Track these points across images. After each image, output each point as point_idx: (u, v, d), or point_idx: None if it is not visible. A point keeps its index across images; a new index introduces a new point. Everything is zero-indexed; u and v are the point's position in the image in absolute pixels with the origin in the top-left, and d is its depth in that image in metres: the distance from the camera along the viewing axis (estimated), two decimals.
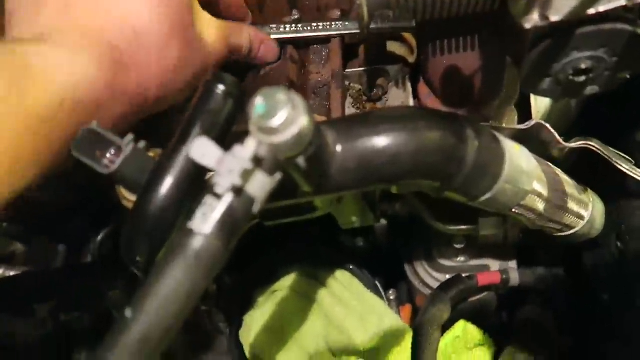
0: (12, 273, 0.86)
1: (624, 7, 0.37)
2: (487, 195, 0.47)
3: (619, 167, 0.52)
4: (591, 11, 0.38)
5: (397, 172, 0.42)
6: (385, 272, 0.93)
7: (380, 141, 0.41)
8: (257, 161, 0.35)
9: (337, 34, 0.67)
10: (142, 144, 0.42)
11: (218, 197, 0.34)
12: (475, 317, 0.82)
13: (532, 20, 0.38)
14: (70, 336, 0.81)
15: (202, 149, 0.35)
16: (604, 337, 0.78)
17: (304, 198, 0.45)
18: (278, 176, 0.36)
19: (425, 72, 0.66)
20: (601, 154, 0.52)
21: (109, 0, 0.45)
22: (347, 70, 0.70)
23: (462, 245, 0.80)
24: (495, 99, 0.64)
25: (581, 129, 0.74)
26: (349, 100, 0.71)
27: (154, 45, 0.46)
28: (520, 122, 0.67)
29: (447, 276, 0.82)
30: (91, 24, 0.45)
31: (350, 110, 0.71)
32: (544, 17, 0.38)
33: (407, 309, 0.92)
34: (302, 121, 0.35)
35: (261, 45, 0.63)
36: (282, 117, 0.34)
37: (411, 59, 0.77)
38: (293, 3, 0.70)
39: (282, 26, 0.67)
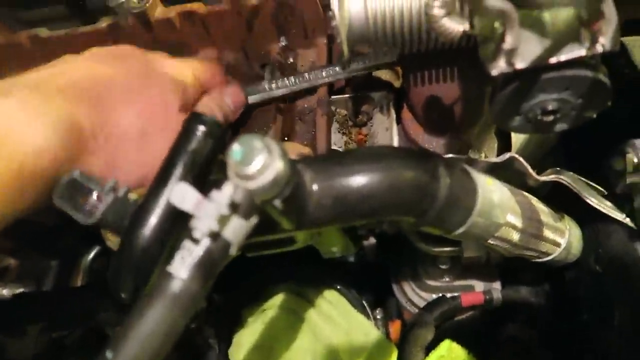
0: (4, 290, 0.87)
1: (584, 57, 0.39)
2: (461, 229, 0.49)
3: (587, 200, 0.54)
4: (553, 60, 0.39)
5: (372, 209, 0.43)
6: (374, 288, 0.94)
7: (356, 180, 0.42)
8: (234, 206, 0.37)
9: (323, 83, 0.68)
10: (123, 189, 0.44)
11: (196, 241, 0.36)
12: (460, 335, 0.83)
13: (499, 66, 0.40)
14: (61, 352, 0.83)
15: (181, 194, 0.37)
16: (583, 353, 0.80)
17: (284, 233, 0.47)
18: (254, 220, 0.38)
19: (408, 99, 0.68)
20: (571, 188, 0.54)
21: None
22: (332, 97, 0.72)
23: (447, 266, 0.82)
24: (475, 126, 0.66)
25: (561, 154, 0.76)
26: (334, 125, 0.73)
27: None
28: (501, 147, 0.69)
29: (434, 295, 0.84)
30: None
31: (336, 135, 0.72)
32: (510, 63, 0.40)
33: (397, 324, 0.93)
34: (278, 166, 0.37)
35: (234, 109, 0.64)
36: (258, 163, 0.36)
37: (397, 84, 0.79)
38: (280, 30, 0.72)
39: (269, 86, 0.68)
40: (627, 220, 0.58)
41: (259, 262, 0.88)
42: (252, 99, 0.67)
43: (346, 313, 0.82)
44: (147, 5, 0.67)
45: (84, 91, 0.47)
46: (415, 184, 0.43)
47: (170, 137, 0.48)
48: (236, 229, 0.36)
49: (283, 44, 0.73)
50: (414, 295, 0.87)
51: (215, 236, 0.36)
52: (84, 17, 0.77)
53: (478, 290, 0.81)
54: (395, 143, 0.69)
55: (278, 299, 0.84)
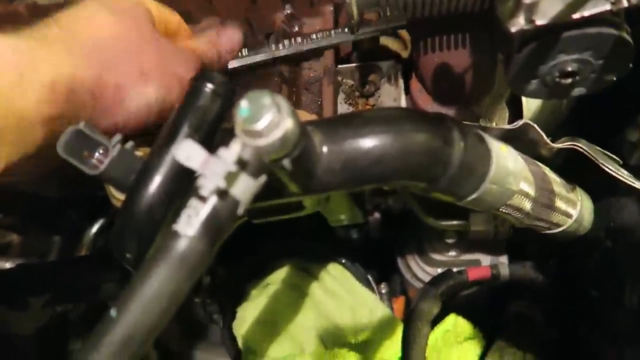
0: (7, 264, 0.87)
1: (609, 12, 0.37)
2: (474, 196, 0.47)
3: (605, 168, 0.53)
4: (576, 15, 0.38)
5: (382, 173, 0.42)
6: (378, 265, 0.93)
7: (366, 143, 0.41)
8: (242, 164, 0.35)
9: (330, 45, 0.66)
10: (129, 144, 0.42)
11: (203, 199, 0.34)
12: (466, 310, 0.83)
13: (519, 23, 0.39)
14: (65, 326, 0.83)
15: (187, 152, 0.35)
16: (591, 332, 0.79)
17: (291, 197, 0.46)
18: (263, 178, 0.37)
19: (417, 69, 0.66)
20: (587, 154, 0.52)
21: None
22: (339, 66, 0.70)
23: (454, 240, 0.81)
24: (486, 96, 0.64)
25: (573, 126, 0.74)
26: (341, 95, 0.71)
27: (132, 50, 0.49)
28: (512, 119, 0.67)
29: (439, 270, 0.83)
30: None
31: (342, 106, 0.71)
32: (530, 20, 0.38)
33: (400, 300, 0.93)
34: (287, 124, 0.35)
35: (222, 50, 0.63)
36: (267, 120, 0.34)
37: (404, 54, 0.77)
38: None
39: (275, 45, 0.67)
40: None
41: (263, 237, 0.88)
42: (257, 57, 0.65)
43: (351, 288, 0.81)
44: None
45: (91, 51, 0.47)
46: (428, 149, 0.42)
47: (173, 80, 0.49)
48: (244, 187, 0.35)
49: (288, 12, 0.71)
50: (419, 270, 0.86)
51: (222, 194, 0.34)
52: None
53: (485, 265, 0.80)
54: None
55: (282, 274, 0.83)
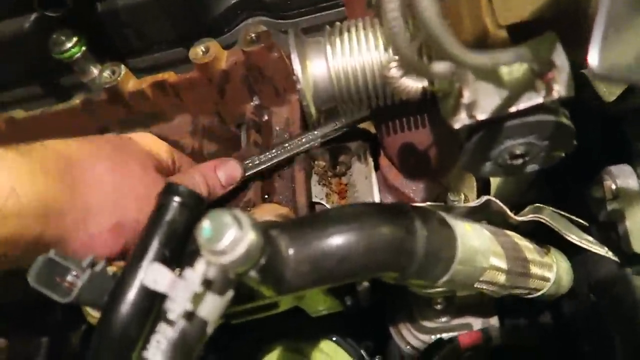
0: None
1: (542, 104, 0.40)
2: (444, 279, 0.48)
3: (568, 237, 0.54)
4: (513, 109, 0.40)
5: (351, 271, 0.43)
6: (372, 333, 0.92)
7: (331, 243, 0.42)
8: (208, 283, 0.36)
9: (300, 151, 0.69)
10: (100, 265, 0.43)
11: (171, 323, 0.35)
12: None
13: (461, 120, 0.41)
14: None
15: (154, 275, 0.37)
16: None
17: (265, 300, 0.47)
18: (230, 294, 0.38)
19: (383, 148, 0.69)
20: (551, 226, 0.54)
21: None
22: (309, 150, 0.72)
23: (442, 306, 0.81)
24: (452, 168, 0.66)
25: (544, 185, 0.76)
26: (314, 177, 0.73)
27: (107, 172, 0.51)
28: (480, 186, 0.69)
29: (432, 337, 0.82)
30: None
31: (316, 187, 0.72)
32: (471, 116, 0.41)
33: None
34: (249, 238, 0.37)
35: (217, 183, 0.64)
36: (229, 238, 0.36)
37: (373, 130, 0.80)
38: (252, 90, 0.73)
39: (248, 162, 0.69)
40: (610, 254, 0.58)
41: (253, 320, 0.87)
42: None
43: None
44: (119, 79, 0.68)
45: (63, 171, 0.49)
46: (392, 242, 0.43)
47: (146, 205, 0.49)
48: (211, 307, 0.36)
49: (256, 103, 0.74)
50: (413, 338, 0.85)
51: (190, 316, 0.35)
52: (58, 95, 0.79)
53: (476, 328, 0.80)
54: (375, 191, 0.69)
55: (273, 357, 0.82)
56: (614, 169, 0.64)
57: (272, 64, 0.69)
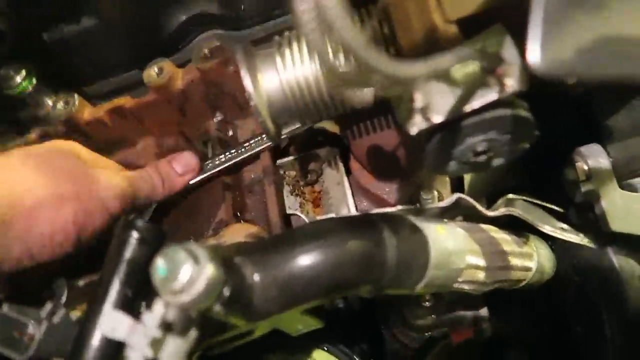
0: None
1: (497, 100, 0.39)
2: (422, 284, 0.47)
3: (541, 229, 0.53)
4: (468, 108, 0.39)
5: (321, 290, 0.42)
6: (367, 336, 0.91)
7: (297, 265, 0.41)
8: (167, 326, 0.35)
9: (264, 148, 0.67)
10: (61, 312, 0.41)
11: None
12: None
13: (416, 123, 0.40)
14: None
15: (111, 323, 0.35)
16: None
17: (238, 329, 0.45)
18: (193, 334, 0.36)
19: (352, 151, 0.67)
20: (524, 219, 0.53)
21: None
22: (278, 161, 0.71)
23: (431, 303, 0.80)
24: (422, 166, 0.65)
25: (520, 171, 0.75)
26: (286, 189, 0.72)
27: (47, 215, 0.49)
28: (453, 182, 0.68)
29: (425, 334, 0.81)
30: None
31: (289, 198, 0.71)
32: (426, 119, 0.39)
33: None
34: (208, 272, 0.35)
35: (169, 181, 0.64)
36: (186, 275, 0.34)
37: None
38: (214, 107, 0.71)
39: (213, 161, 0.68)
40: (586, 242, 0.57)
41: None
42: (194, 179, 0.66)
43: None
44: (74, 109, 0.66)
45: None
46: (361, 256, 0.42)
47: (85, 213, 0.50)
48: (173, 350, 0.34)
49: (219, 118, 0.72)
50: (406, 338, 0.84)
51: None
52: (18, 130, 0.76)
53: (467, 322, 0.79)
54: (349, 196, 0.68)
55: None
56: (584, 149, 0.63)
57: (229, 79, 0.67)
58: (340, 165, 0.70)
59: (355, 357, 0.83)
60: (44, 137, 0.69)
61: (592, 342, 0.71)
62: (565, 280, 0.72)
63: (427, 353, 0.74)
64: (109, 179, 0.55)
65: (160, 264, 0.34)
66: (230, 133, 0.72)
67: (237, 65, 0.66)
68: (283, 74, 0.49)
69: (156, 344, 0.33)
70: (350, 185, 0.70)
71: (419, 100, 0.38)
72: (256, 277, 0.41)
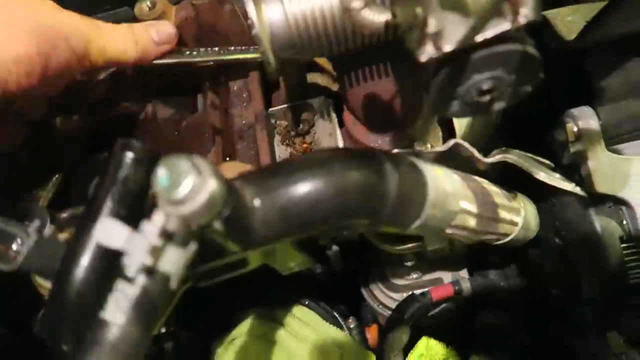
0: None
1: (511, 30, 0.39)
2: (417, 223, 0.47)
3: (536, 175, 0.54)
4: (479, 38, 0.39)
5: (321, 217, 0.41)
6: (346, 297, 0.92)
7: (299, 190, 0.40)
8: (167, 236, 0.33)
9: (250, 57, 0.65)
10: (48, 229, 0.40)
11: (129, 280, 0.32)
12: (437, 330, 0.82)
13: (427, 51, 0.39)
14: None
15: (107, 231, 0.34)
16: (560, 329, 0.80)
17: (233, 256, 0.44)
18: (193, 246, 0.35)
19: (346, 102, 0.66)
20: (519, 166, 0.53)
21: None
22: (270, 109, 0.70)
23: (413, 262, 0.81)
24: (417, 119, 0.65)
25: (508, 132, 0.76)
26: (277, 138, 0.71)
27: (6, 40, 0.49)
28: (445, 136, 0.68)
29: (404, 294, 0.82)
30: None
31: (279, 147, 0.70)
32: (437, 47, 0.39)
33: (374, 329, 0.91)
34: (210, 186, 0.34)
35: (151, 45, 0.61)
36: (188, 186, 0.33)
37: (334, 88, 0.78)
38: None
39: (192, 51, 0.64)
40: (578, 190, 0.58)
41: (223, 288, 0.84)
42: (168, 60, 0.62)
43: (318, 328, 0.79)
44: None
45: None
46: (363, 186, 0.42)
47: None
48: (173, 260, 0.33)
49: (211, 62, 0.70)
50: (385, 298, 0.85)
51: (150, 271, 0.32)
52: None
53: (447, 282, 0.80)
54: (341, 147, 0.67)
55: (246, 326, 0.80)
56: (575, 111, 0.65)
57: (225, 19, 0.65)
58: (334, 116, 0.69)
59: (335, 314, 0.84)
60: None
61: (569, 303, 0.74)
62: (545, 243, 0.73)
63: (406, 310, 0.75)
64: (75, 18, 0.54)
65: (162, 173, 0.33)
66: (222, 79, 0.70)
67: (233, 5, 0.65)
68: (288, 5, 0.48)
69: (156, 252, 0.32)
70: (342, 138, 0.69)
71: (432, 26, 0.37)
72: (256, 202, 0.40)
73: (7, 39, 0.48)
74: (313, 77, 0.75)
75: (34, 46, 0.49)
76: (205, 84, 0.70)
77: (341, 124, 0.70)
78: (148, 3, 0.64)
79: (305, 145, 0.70)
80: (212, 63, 0.65)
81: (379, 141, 0.67)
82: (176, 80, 0.71)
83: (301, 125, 0.70)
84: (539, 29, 0.53)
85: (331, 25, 0.49)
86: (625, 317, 0.69)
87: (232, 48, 0.65)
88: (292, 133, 0.71)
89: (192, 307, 0.77)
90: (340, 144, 0.68)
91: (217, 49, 0.64)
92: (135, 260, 0.32)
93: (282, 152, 0.70)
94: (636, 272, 0.64)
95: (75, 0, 0.69)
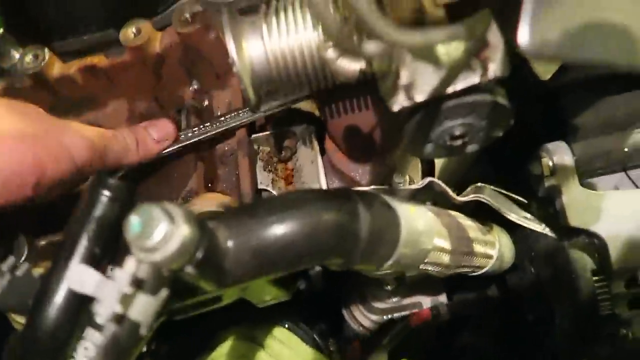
0: None
1: (478, 84, 0.40)
2: (390, 262, 0.48)
3: (507, 216, 0.55)
4: (450, 90, 0.40)
5: (294, 258, 0.42)
6: (327, 317, 0.92)
7: (272, 231, 0.41)
8: (138, 283, 0.34)
9: (240, 125, 0.66)
10: (23, 267, 0.40)
11: (99, 328, 0.33)
12: (416, 353, 0.83)
13: (399, 101, 0.40)
14: None
15: (79, 277, 0.34)
16: (533, 354, 0.81)
17: (207, 294, 0.45)
18: (164, 293, 0.36)
19: (328, 131, 0.67)
20: (492, 205, 0.55)
21: None
22: (253, 135, 0.70)
23: (393, 286, 0.82)
24: (397, 149, 0.66)
25: (487, 164, 0.78)
26: (259, 164, 0.71)
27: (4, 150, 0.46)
28: (424, 167, 0.70)
29: (384, 317, 0.83)
30: None
31: (262, 173, 0.71)
32: (409, 97, 0.40)
33: (357, 343, 0.92)
34: (182, 233, 0.35)
35: (144, 144, 0.62)
36: (160, 233, 0.34)
37: (318, 113, 0.78)
38: (190, 74, 0.70)
39: (186, 133, 0.66)
40: (547, 230, 0.60)
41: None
42: (166, 150, 0.64)
43: (298, 351, 0.80)
44: (43, 64, 0.63)
45: None
46: (335, 227, 0.42)
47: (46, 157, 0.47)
48: (143, 307, 0.34)
49: (195, 87, 0.71)
50: (365, 320, 0.86)
51: (120, 319, 0.33)
52: None
53: (426, 306, 0.82)
54: (322, 175, 0.68)
55: (226, 347, 0.80)
56: (550, 145, 0.66)
57: (209, 46, 0.66)
58: (315, 143, 0.70)
59: (315, 335, 0.84)
60: (8, 91, 0.66)
61: (542, 329, 0.75)
62: (521, 271, 0.75)
63: (385, 334, 0.76)
64: (79, 128, 0.53)
65: (134, 220, 0.34)
66: (206, 103, 0.71)
67: (218, 33, 0.65)
68: (268, 43, 0.49)
69: (126, 300, 0.33)
70: (324, 165, 0.70)
71: (404, 77, 0.39)
72: (230, 243, 0.41)
73: (5, 148, 0.46)
74: (297, 105, 0.76)
75: (31, 155, 0.47)
76: (189, 108, 0.71)
77: (323, 151, 0.71)
78: (133, 29, 0.64)
79: (287, 171, 0.71)
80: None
81: (360, 170, 0.68)
82: (160, 104, 0.72)
83: (283, 152, 0.70)
84: (519, 65, 0.54)
85: (310, 63, 0.50)
86: (596, 346, 0.70)
87: (224, 118, 0.66)
88: (275, 159, 0.71)
89: (172, 326, 0.77)
90: (322, 172, 0.69)
91: (209, 125, 0.66)
92: (105, 308, 0.32)
93: (264, 178, 0.70)
94: (606, 304, 0.66)
95: (60, 20, 0.70)
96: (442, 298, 0.83)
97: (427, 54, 0.39)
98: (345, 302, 0.89)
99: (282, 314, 0.86)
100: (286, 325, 0.82)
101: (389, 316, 0.82)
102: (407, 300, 0.84)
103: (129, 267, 0.33)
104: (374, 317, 0.85)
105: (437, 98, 0.41)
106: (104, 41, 0.71)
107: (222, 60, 0.68)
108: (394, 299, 0.83)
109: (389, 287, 0.82)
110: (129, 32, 0.64)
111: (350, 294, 0.88)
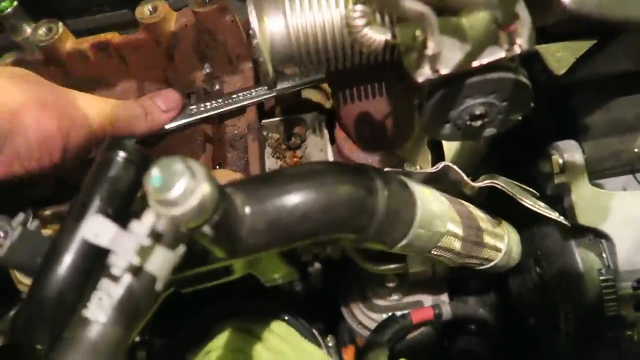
0: None
1: (505, 58, 0.40)
2: (404, 242, 0.47)
3: (521, 202, 0.55)
4: (475, 63, 0.40)
5: (309, 229, 0.41)
6: (324, 315, 0.91)
7: (289, 200, 0.40)
8: (156, 236, 0.33)
9: (252, 103, 0.66)
10: (33, 223, 0.39)
11: (115, 279, 0.32)
12: (415, 353, 0.82)
13: (424, 73, 0.40)
14: None
15: (95, 228, 0.33)
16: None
17: (218, 263, 0.44)
18: (181, 249, 0.35)
19: (339, 118, 0.67)
20: (506, 191, 0.54)
21: None
22: (263, 121, 0.70)
23: (395, 284, 0.81)
24: (408, 140, 0.66)
25: (494, 161, 0.78)
26: (268, 150, 0.71)
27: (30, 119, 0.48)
28: (434, 159, 0.69)
29: (384, 315, 0.82)
30: None
31: (270, 160, 0.70)
32: (434, 70, 0.40)
33: (350, 350, 0.90)
34: (203, 190, 0.34)
35: (154, 114, 0.63)
36: (180, 187, 0.33)
37: (327, 104, 0.78)
38: (203, 57, 0.70)
39: (198, 107, 0.66)
40: (562, 219, 0.59)
41: (201, 299, 0.83)
42: (177, 122, 0.64)
43: (296, 345, 0.78)
44: (56, 37, 0.63)
45: None
46: (352, 200, 0.42)
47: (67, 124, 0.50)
48: (161, 261, 0.33)
49: (207, 71, 0.70)
50: (365, 318, 0.85)
51: (136, 271, 0.32)
52: None
53: (427, 306, 0.81)
54: None
55: (223, 338, 0.78)
56: (561, 144, 0.66)
57: (224, 28, 0.65)
58: (325, 132, 0.70)
59: (313, 331, 0.83)
60: (18, 64, 0.65)
61: (546, 332, 0.74)
62: (525, 271, 0.74)
63: (386, 331, 0.75)
64: (90, 98, 0.54)
65: (155, 173, 0.33)
66: (217, 87, 0.71)
67: (234, 16, 0.65)
68: (290, 19, 0.49)
69: (144, 253, 0.32)
70: (333, 154, 0.70)
71: (430, 49, 0.38)
72: (246, 209, 0.40)
73: (32, 117, 0.48)
74: (307, 93, 0.76)
75: (56, 122, 0.49)
76: (199, 92, 0.70)
77: (332, 140, 0.71)
78: (150, 7, 0.64)
79: (295, 159, 0.71)
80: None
81: (369, 160, 0.68)
82: (170, 86, 0.72)
83: (293, 139, 0.70)
84: (530, 64, 0.54)
85: (331, 40, 0.50)
86: (600, 350, 0.69)
87: (235, 96, 0.66)
88: (284, 146, 0.71)
89: (168, 316, 0.76)
90: (331, 160, 0.68)
91: (220, 100, 0.66)
92: (122, 259, 0.31)
93: (272, 164, 0.70)
94: (612, 304, 0.65)
95: (75, 2, 0.70)
96: (444, 297, 0.82)
97: (454, 27, 0.39)
98: (344, 299, 0.88)
99: (281, 308, 0.85)
100: (285, 319, 0.81)
101: (389, 314, 0.81)
102: (408, 299, 0.83)
103: (148, 220, 0.32)
104: (374, 315, 0.84)
105: (461, 73, 0.41)
106: (118, 22, 0.71)
107: (235, 44, 0.68)
108: (395, 297, 0.83)
109: (390, 284, 0.81)
110: (145, 10, 0.64)
111: (350, 291, 0.87)
